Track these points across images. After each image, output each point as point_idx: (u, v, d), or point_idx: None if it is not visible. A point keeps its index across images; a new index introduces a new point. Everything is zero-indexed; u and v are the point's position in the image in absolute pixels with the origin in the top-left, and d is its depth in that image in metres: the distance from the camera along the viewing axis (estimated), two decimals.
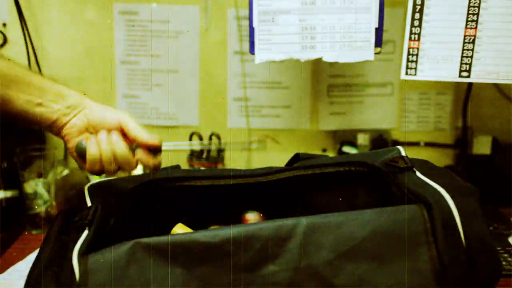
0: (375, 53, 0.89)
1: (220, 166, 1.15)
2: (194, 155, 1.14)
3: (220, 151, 1.15)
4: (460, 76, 0.88)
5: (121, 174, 0.68)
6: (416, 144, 1.23)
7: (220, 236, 0.51)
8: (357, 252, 0.51)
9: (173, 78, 1.20)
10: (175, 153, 0.75)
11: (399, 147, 0.67)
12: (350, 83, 1.21)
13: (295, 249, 0.52)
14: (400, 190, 0.59)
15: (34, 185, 0.99)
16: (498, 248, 0.88)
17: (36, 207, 0.99)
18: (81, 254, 0.51)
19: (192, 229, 0.66)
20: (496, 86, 1.15)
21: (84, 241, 0.53)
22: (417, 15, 0.87)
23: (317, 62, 1.14)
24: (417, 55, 0.88)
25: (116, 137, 0.65)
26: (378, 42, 0.88)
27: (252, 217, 0.70)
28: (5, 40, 1.15)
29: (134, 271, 0.50)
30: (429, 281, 0.51)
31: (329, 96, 1.22)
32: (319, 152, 1.17)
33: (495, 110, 1.18)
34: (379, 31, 0.88)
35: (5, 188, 1.01)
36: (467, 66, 0.87)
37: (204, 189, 0.68)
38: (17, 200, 1.01)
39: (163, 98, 1.21)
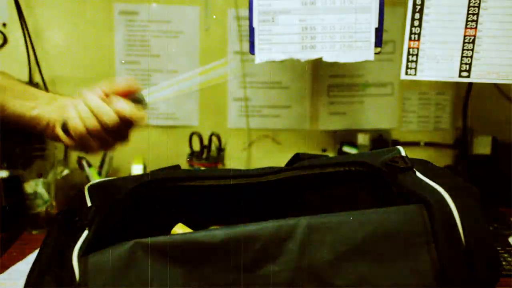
0: (375, 53, 0.89)
1: (220, 166, 1.15)
2: (194, 155, 1.14)
3: (220, 151, 1.15)
4: (460, 76, 0.88)
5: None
6: (416, 144, 1.23)
7: (220, 236, 0.51)
8: (357, 252, 0.51)
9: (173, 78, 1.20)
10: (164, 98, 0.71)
11: (399, 147, 0.67)
12: (350, 83, 1.21)
13: (295, 249, 0.51)
14: (400, 190, 0.59)
15: (34, 185, 1.00)
16: (498, 248, 0.88)
17: (36, 207, 0.99)
18: (81, 254, 0.51)
19: (192, 229, 0.66)
20: (496, 86, 1.15)
21: (84, 241, 0.53)
22: (417, 15, 0.87)
23: (317, 62, 1.14)
24: (417, 55, 0.88)
25: (91, 96, 0.62)
26: (378, 42, 0.88)
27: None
28: (5, 40, 1.15)
29: (134, 271, 0.50)
30: (429, 281, 0.51)
31: (329, 96, 1.22)
32: (319, 152, 1.18)
33: (495, 110, 1.18)
34: (379, 31, 0.88)
35: (5, 189, 1.01)
36: (467, 66, 0.87)
37: (204, 189, 0.68)
38: (17, 200, 1.01)
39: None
